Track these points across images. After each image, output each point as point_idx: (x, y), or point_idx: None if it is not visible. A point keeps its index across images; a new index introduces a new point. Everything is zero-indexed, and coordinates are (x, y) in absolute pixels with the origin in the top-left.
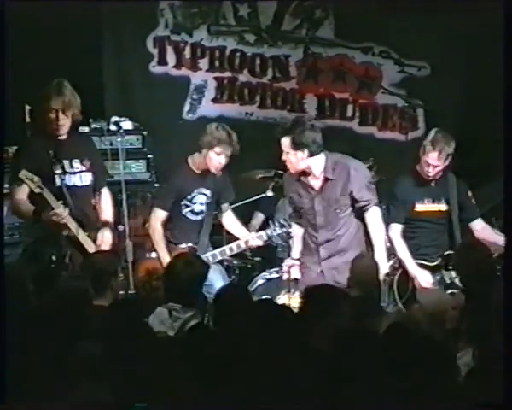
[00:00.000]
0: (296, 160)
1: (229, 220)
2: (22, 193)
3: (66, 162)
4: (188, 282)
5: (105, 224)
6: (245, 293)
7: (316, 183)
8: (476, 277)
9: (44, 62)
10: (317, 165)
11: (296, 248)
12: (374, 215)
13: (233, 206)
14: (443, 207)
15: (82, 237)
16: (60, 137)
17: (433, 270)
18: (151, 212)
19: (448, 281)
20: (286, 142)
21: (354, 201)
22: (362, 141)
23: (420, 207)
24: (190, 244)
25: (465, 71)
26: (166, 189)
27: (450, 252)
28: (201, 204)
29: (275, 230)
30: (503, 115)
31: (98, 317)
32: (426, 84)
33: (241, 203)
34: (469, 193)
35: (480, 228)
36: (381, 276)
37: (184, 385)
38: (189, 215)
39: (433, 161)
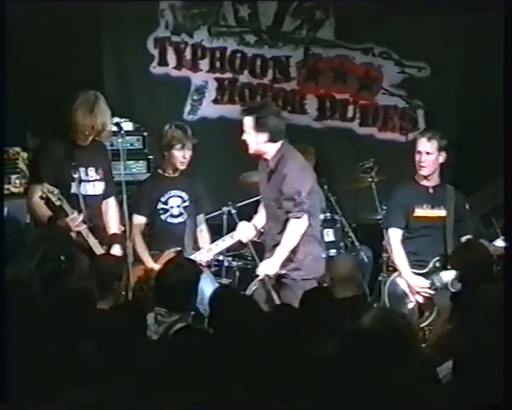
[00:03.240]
0: (255, 142)
1: (202, 235)
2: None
3: (82, 170)
4: (177, 286)
5: (114, 238)
6: (240, 295)
7: (266, 170)
8: (475, 276)
9: (44, 62)
10: (270, 151)
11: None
12: (290, 226)
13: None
14: (442, 213)
15: (92, 241)
16: (80, 144)
17: (423, 276)
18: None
19: (439, 285)
20: (246, 121)
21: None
22: (362, 142)
23: (419, 211)
24: (178, 248)
25: (465, 71)
26: (139, 194)
27: (438, 258)
28: (178, 206)
29: None
30: (503, 115)
31: (100, 319)
32: (426, 85)
33: (241, 204)
34: (467, 206)
35: None
36: (261, 275)
37: (183, 388)
38: (170, 219)
39: (424, 147)
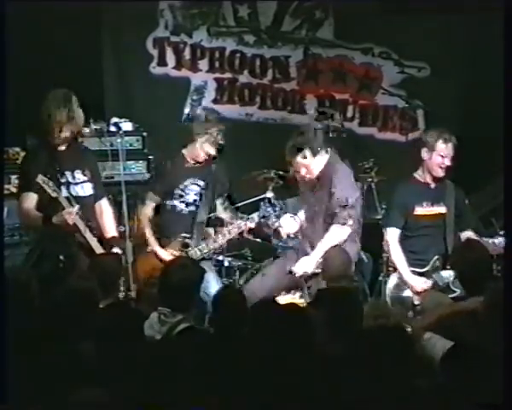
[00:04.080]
0: (318, 165)
1: (223, 211)
2: (30, 202)
3: (68, 173)
4: (181, 286)
5: (113, 241)
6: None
7: (312, 181)
8: (474, 276)
9: (44, 63)
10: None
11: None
12: (332, 232)
13: (232, 206)
14: (442, 209)
15: (89, 236)
16: (60, 148)
17: (424, 275)
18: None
19: (441, 284)
20: (307, 154)
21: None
22: (362, 142)
23: (419, 210)
24: (184, 234)
25: (465, 71)
26: (160, 177)
27: (438, 257)
28: (195, 194)
29: (266, 211)
30: (503, 115)
31: (101, 318)
32: (426, 85)
33: (240, 204)
34: (466, 202)
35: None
36: (299, 272)
37: (183, 388)
38: (183, 206)
39: (449, 152)
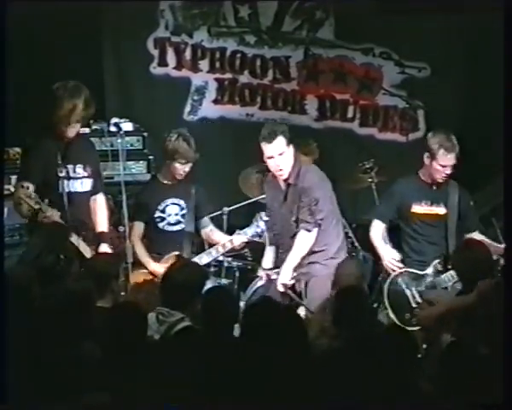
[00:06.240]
0: (291, 156)
1: (212, 234)
2: None
3: (70, 167)
4: (185, 285)
5: (101, 236)
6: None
7: (283, 187)
8: (475, 276)
9: (44, 63)
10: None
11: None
12: (300, 238)
13: (232, 207)
14: (442, 210)
15: (82, 246)
16: (67, 140)
17: (423, 277)
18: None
19: (439, 288)
20: (282, 142)
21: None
22: (362, 142)
23: (417, 208)
24: (176, 253)
25: (465, 72)
26: (137, 200)
27: (439, 261)
28: (176, 215)
29: (258, 226)
30: (503, 115)
31: (100, 318)
32: (426, 86)
33: (239, 205)
34: (471, 203)
35: None
36: (279, 287)
37: (183, 387)
38: (167, 228)
39: (451, 162)
